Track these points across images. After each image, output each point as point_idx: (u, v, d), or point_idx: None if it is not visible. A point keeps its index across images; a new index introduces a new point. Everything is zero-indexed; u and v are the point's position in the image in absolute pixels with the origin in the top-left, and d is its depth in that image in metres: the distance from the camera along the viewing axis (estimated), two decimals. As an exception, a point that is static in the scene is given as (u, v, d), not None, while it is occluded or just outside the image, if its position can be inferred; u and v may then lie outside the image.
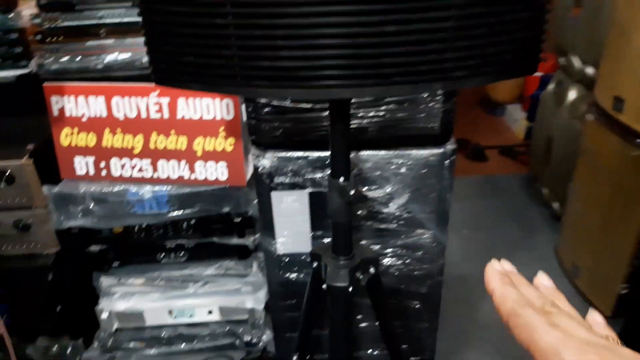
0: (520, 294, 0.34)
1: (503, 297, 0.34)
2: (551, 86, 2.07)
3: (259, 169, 1.01)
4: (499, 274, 0.36)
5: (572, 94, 1.92)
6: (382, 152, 0.98)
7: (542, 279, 0.39)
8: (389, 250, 1.08)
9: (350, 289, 0.74)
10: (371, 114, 0.94)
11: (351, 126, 0.95)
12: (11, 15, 1.19)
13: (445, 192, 1.02)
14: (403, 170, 0.99)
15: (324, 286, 0.75)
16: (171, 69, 0.55)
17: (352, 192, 0.68)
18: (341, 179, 0.69)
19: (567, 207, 1.73)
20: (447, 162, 0.98)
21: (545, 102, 2.10)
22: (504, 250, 1.85)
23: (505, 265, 0.37)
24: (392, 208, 1.03)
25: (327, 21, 0.47)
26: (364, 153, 0.98)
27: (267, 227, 1.09)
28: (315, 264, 0.80)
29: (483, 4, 0.48)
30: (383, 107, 0.93)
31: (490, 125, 3.01)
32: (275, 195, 1.04)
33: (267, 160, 1.00)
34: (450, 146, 0.98)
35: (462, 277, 1.63)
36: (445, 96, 0.93)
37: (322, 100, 0.92)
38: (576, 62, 1.87)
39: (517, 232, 1.96)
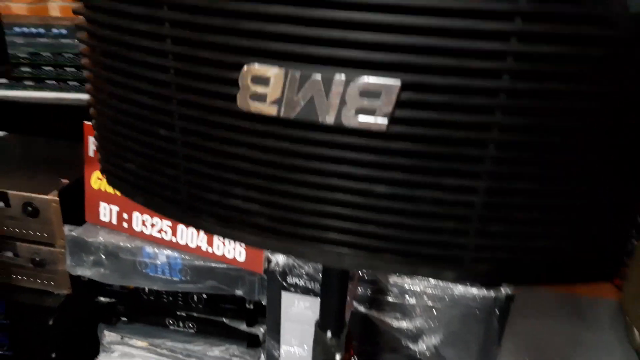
0: None
1: None
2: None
3: (271, 263, 0.87)
4: None
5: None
6: (415, 280, 0.80)
7: None
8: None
9: None
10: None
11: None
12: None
13: (491, 344, 0.81)
14: (438, 306, 0.80)
15: None
16: (116, 174, 0.43)
17: (338, 356, 0.52)
18: (328, 334, 0.53)
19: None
20: (497, 309, 0.78)
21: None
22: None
23: None
24: (422, 346, 0.84)
25: (294, 163, 0.33)
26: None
27: (273, 328, 0.94)
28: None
29: (536, 177, 0.32)
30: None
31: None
32: (285, 297, 0.89)
33: (281, 256, 0.86)
34: (506, 290, 0.78)
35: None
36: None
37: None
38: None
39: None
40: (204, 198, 0.37)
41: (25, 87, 1.42)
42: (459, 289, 0.78)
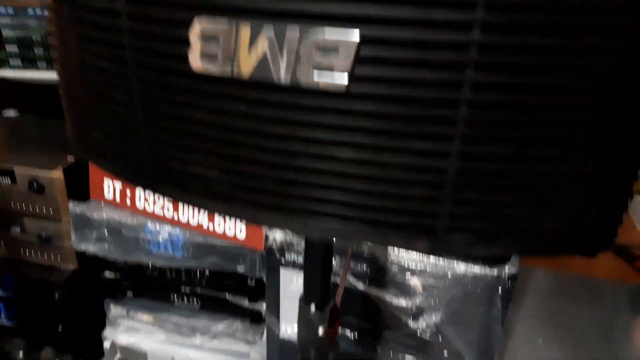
0: None
1: None
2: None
3: (269, 240, 0.86)
4: None
5: None
6: (414, 255, 0.78)
7: None
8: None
9: None
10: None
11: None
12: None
13: (494, 324, 0.79)
14: (439, 284, 0.78)
15: None
16: (85, 143, 0.42)
17: (320, 330, 0.50)
18: (312, 307, 0.51)
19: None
20: (500, 289, 0.75)
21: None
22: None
23: None
24: (422, 324, 0.82)
25: (253, 127, 0.31)
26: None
27: (273, 304, 0.93)
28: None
29: (514, 140, 0.29)
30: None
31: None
32: (284, 273, 0.88)
33: (279, 232, 0.84)
34: (509, 269, 0.75)
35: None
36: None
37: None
38: None
39: (610, 354, 1.60)
40: (165, 165, 0.36)
41: (39, 68, 1.41)
42: (460, 268, 0.76)
